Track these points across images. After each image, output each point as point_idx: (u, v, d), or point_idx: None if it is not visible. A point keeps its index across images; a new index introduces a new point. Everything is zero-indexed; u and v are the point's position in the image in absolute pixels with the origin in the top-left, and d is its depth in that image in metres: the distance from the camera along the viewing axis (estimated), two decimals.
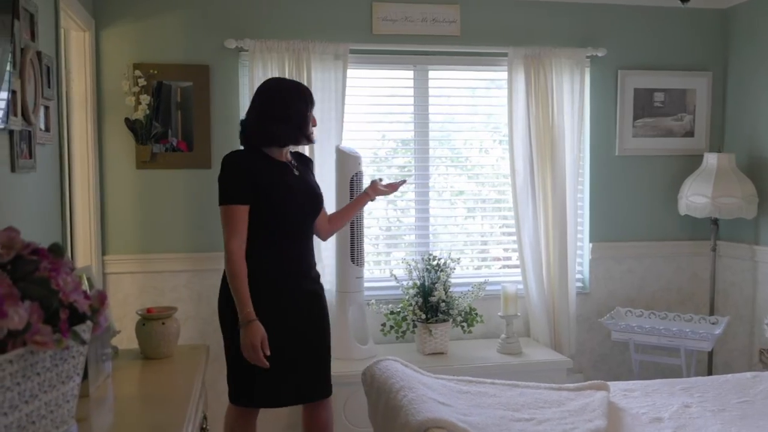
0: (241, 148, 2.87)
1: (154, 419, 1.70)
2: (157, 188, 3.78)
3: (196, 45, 3.78)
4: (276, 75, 3.73)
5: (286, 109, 2.73)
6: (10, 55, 2.00)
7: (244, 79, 3.82)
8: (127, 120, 3.67)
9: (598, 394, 2.63)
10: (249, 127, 2.78)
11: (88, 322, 1.46)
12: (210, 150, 3.82)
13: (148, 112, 3.65)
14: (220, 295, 2.75)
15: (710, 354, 4.15)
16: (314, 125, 2.82)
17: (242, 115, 3.75)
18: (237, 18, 3.80)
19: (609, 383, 2.80)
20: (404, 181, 3.30)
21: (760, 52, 4.05)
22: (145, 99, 3.63)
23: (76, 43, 3.51)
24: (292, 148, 2.90)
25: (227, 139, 3.79)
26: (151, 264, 3.80)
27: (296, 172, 2.81)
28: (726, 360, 4.25)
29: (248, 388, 2.68)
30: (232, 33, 3.77)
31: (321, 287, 2.93)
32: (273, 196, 2.67)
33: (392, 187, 3.21)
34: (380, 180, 3.20)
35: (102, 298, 1.55)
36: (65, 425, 1.45)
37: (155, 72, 3.68)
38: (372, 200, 3.20)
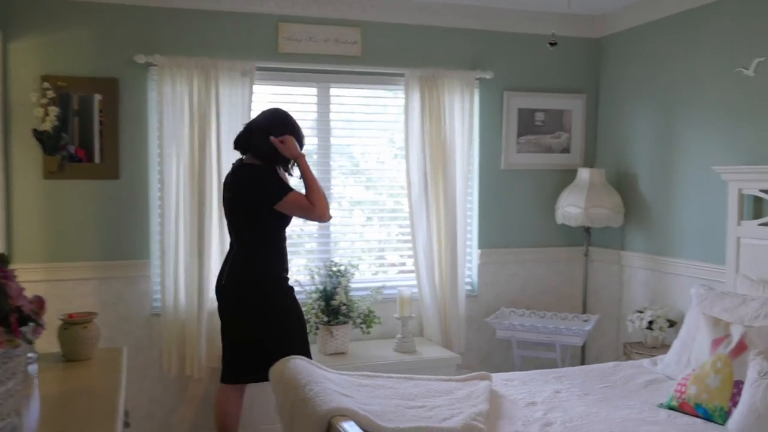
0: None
1: (91, 409, 1.86)
2: (65, 198, 3.86)
3: (106, 59, 3.88)
4: (185, 91, 3.88)
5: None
6: None
7: (153, 94, 3.95)
8: (35, 131, 3.73)
9: (482, 383, 2.97)
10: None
11: (31, 324, 1.64)
12: (118, 161, 3.93)
13: (56, 123, 3.72)
14: (251, 286, 3.30)
15: (583, 348, 4.62)
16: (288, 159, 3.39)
17: (154, 128, 3.92)
18: (147, 33, 3.93)
19: (492, 374, 3.15)
20: None
21: (628, 77, 4.57)
22: (54, 111, 3.70)
23: None
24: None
25: (136, 152, 3.95)
26: (57, 272, 3.86)
27: None
28: (596, 354, 4.74)
29: (266, 365, 3.07)
30: (142, 48, 3.89)
31: None
32: None
33: None
34: None
35: (41, 302, 1.73)
36: (9, 418, 1.61)
37: (64, 84, 3.75)
38: None
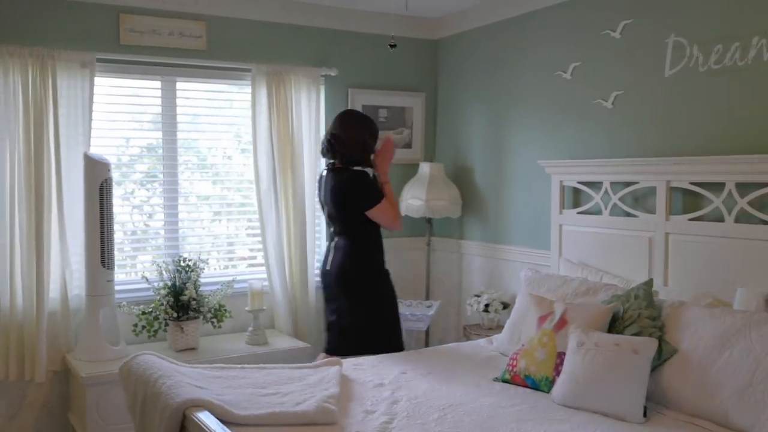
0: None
1: None
2: None
3: None
4: (18, 81, 3.70)
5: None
6: None
7: None
8: None
9: (332, 368, 3.09)
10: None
11: None
12: None
13: None
14: (358, 275, 3.74)
15: (427, 332, 4.89)
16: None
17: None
18: None
19: (342, 360, 3.29)
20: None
21: (463, 77, 4.87)
22: None
23: None
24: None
25: None
26: None
27: None
28: (440, 337, 5.03)
29: (397, 338, 3.84)
30: None
31: None
32: None
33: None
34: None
35: None
36: None
37: None
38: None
